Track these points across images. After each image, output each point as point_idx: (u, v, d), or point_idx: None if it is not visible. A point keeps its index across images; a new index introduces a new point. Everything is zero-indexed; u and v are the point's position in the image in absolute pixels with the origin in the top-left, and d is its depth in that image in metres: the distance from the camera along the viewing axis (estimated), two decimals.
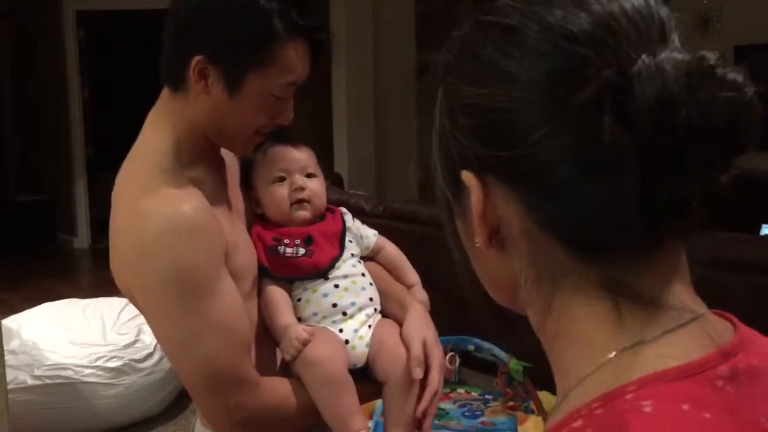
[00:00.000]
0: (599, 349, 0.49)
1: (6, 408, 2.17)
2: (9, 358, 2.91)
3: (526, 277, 0.52)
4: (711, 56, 0.47)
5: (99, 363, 3.05)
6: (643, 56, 0.46)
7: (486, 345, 3.06)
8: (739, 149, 0.47)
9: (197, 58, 0.99)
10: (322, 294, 1.14)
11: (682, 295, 0.50)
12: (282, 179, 1.17)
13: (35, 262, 6.07)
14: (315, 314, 1.14)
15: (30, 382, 2.95)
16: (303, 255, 1.14)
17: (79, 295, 4.04)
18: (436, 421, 2.90)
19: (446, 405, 3.12)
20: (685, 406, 0.44)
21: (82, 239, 6.65)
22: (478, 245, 0.53)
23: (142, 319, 3.33)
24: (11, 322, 3.26)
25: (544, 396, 2.99)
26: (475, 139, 0.51)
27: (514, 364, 2.99)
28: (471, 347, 3.06)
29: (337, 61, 5.41)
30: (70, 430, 2.98)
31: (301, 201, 1.16)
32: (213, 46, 0.99)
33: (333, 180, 4.52)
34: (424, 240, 3.39)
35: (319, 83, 5.24)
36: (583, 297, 0.50)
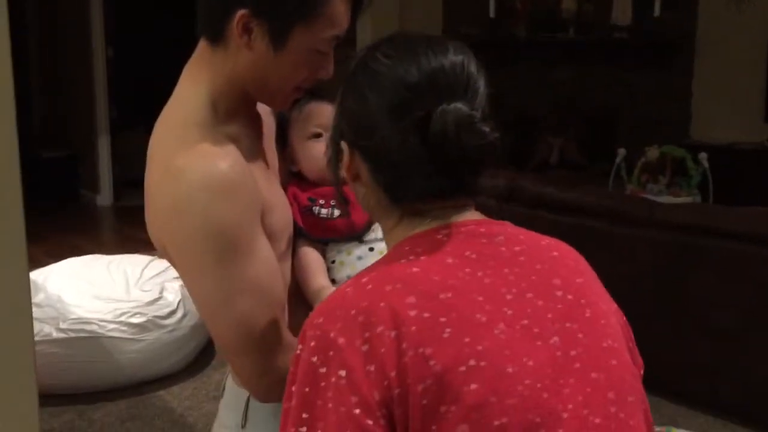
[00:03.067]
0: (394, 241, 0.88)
1: (33, 359, 2.19)
2: (34, 311, 2.93)
3: (371, 205, 0.90)
4: (476, 114, 0.81)
5: (123, 318, 3.08)
6: (442, 105, 0.80)
7: None
8: (479, 169, 0.85)
9: (242, 12, 0.97)
10: (356, 257, 1.12)
11: (449, 211, 0.86)
12: (318, 135, 1.15)
13: (58, 217, 6.12)
14: (349, 276, 1.12)
15: (55, 335, 2.98)
16: (338, 216, 1.12)
17: (102, 252, 4.07)
18: None
19: None
20: (407, 247, 0.84)
21: (105, 196, 6.69)
22: (350, 182, 0.90)
23: (165, 276, 3.37)
24: (36, 275, 3.29)
25: None
26: (350, 128, 0.88)
27: None
28: None
29: (362, 26, 5.34)
30: (93, 383, 3.02)
31: None
32: (258, 0, 0.97)
33: None
34: None
35: (343, 47, 5.15)
36: (395, 218, 0.88)
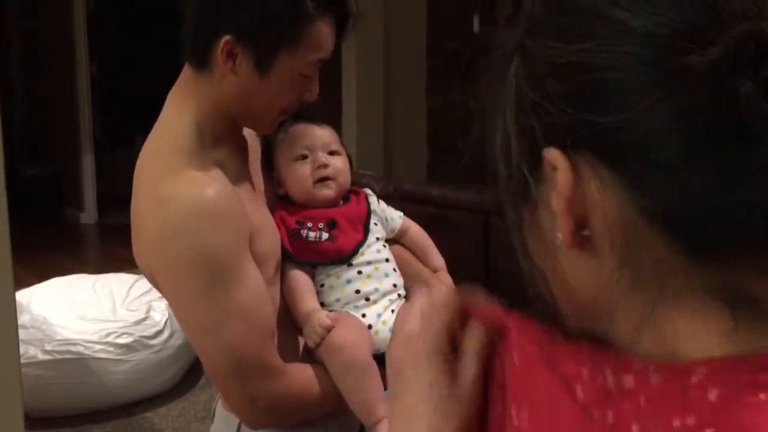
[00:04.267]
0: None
1: (19, 382, 2.17)
2: (20, 333, 2.91)
3: (617, 281, 0.43)
4: None
5: (109, 339, 3.05)
6: None
7: None
8: None
9: (226, 38, 0.97)
10: (345, 280, 1.12)
11: None
12: (305, 157, 1.15)
13: (42, 236, 6.07)
14: (338, 300, 1.12)
15: (41, 357, 2.95)
16: (326, 239, 1.12)
17: (86, 271, 4.04)
18: None
19: None
20: None
21: (89, 214, 6.65)
22: (558, 241, 0.44)
23: (152, 296, 3.35)
24: (21, 296, 3.25)
25: None
26: (569, 106, 0.42)
27: None
28: None
29: (346, 44, 5.33)
30: (79, 405, 2.99)
31: (324, 179, 1.14)
32: (243, 26, 0.97)
33: None
34: (433, 221, 3.38)
35: (328, 62, 5.18)
36: (690, 306, 0.41)
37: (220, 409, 1.13)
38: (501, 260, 2.98)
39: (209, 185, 0.97)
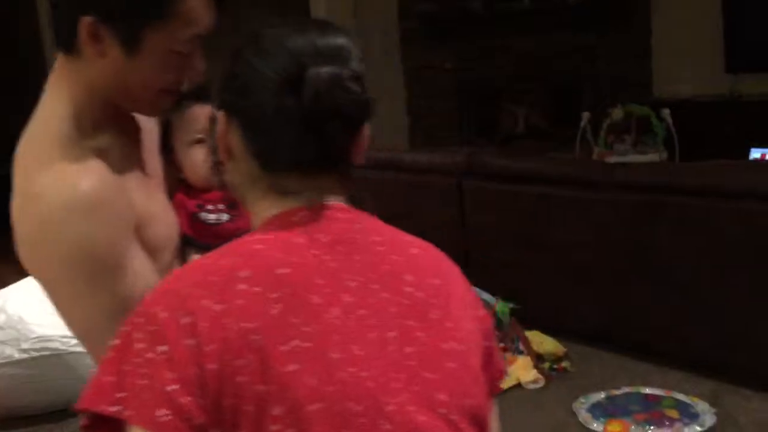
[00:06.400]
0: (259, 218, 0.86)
1: None
2: None
3: (241, 181, 0.88)
4: (346, 72, 0.81)
5: None
6: (312, 68, 0.80)
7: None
8: (351, 129, 0.84)
9: (87, 19, 0.92)
10: None
11: (314, 193, 0.84)
12: (201, 141, 1.10)
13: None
14: None
15: (17, 356, 2.94)
16: (226, 221, 1.08)
17: None
18: None
19: None
20: (262, 226, 0.85)
21: None
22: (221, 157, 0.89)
23: None
24: None
25: (532, 335, 2.96)
26: (230, 92, 0.86)
27: (500, 306, 2.95)
28: None
29: (316, 7, 5.26)
30: (59, 400, 2.97)
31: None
32: (104, 5, 0.92)
33: None
34: (410, 187, 3.34)
35: None
36: (260, 192, 0.86)
37: None
38: (474, 217, 2.96)
39: (83, 177, 0.93)
